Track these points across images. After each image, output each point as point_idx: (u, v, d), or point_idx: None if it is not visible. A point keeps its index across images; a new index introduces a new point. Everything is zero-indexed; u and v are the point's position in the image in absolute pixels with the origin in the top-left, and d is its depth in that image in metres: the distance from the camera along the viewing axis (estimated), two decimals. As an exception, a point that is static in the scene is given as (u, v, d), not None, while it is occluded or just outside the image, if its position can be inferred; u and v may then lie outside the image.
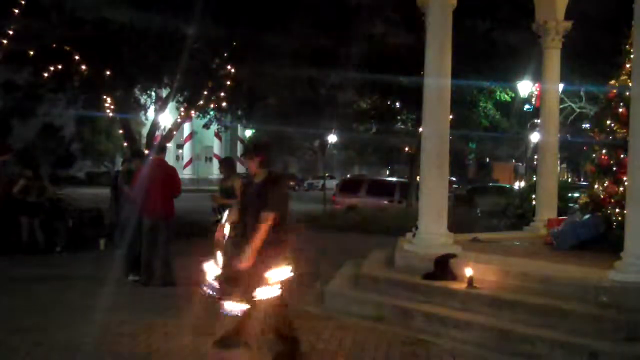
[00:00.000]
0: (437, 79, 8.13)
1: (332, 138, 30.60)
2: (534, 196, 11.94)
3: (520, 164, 46.52)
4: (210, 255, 5.57)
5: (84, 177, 43.70)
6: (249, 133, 40.94)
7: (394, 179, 29.20)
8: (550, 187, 10.99)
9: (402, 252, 8.27)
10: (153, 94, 17.57)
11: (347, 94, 22.27)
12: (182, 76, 14.42)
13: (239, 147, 47.22)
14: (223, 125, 20.80)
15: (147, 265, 8.83)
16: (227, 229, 5.60)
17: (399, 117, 23.51)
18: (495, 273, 7.14)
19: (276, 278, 5.18)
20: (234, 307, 5.20)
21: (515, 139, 31.48)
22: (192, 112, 17.01)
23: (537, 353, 5.71)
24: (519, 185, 28.05)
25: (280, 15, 14.97)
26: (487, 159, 53.93)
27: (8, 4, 13.01)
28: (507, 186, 29.40)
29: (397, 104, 22.49)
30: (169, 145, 18.69)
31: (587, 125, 25.10)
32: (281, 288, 5.20)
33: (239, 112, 18.73)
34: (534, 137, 24.06)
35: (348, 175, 49.87)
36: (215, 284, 5.32)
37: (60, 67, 14.60)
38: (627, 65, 8.62)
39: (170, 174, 9.27)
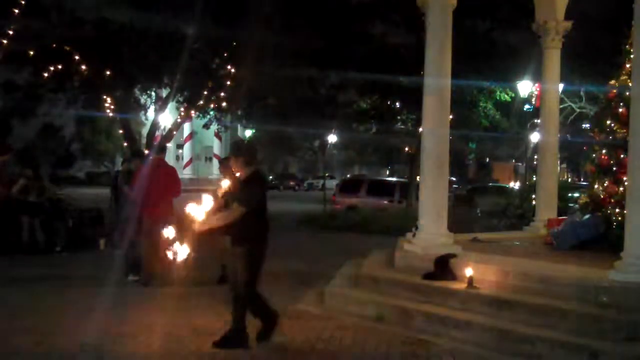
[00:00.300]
0: (437, 79, 8.13)
1: (332, 138, 30.62)
2: (534, 196, 11.94)
3: (520, 164, 46.51)
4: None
5: (84, 177, 43.70)
6: (249, 133, 40.92)
7: (394, 179, 29.18)
8: (550, 187, 10.98)
9: (402, 252, 8.26)
10: (153, 94, 17.57)
11: (347, 94, 22.29)
12: (182, 76, 14.43)
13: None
14: (223, 125, 20.82)
15: (146, 265, 8.83)
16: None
17: (399, 117, 23.49)
18: (495, 273, 7.14)
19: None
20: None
21: (515, 139, 31.46)
22: (192, 112, 17.02)
23: (537, 353, 5.71)
24: (513, 185, 28.00)
25: (280, 15, 14.98)
26: (487, 159, 53.98)
27: (8, 4, 13.02)
28: (506, 186, 29.40)
29: (397, 104, 22.48)
30: (169, 145, 18.72)
31: (587, 125, 25.11)
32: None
33: (239, 112, 18.73)
34: (534, 137, 24.01)
35: (348, 175, 49.88)
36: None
37: (60, 67, 14.61)
38: (627, 65, 8.61)
39: (170, 174, 9.27)
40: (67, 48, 14.29)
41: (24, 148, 26.51)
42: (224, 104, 16.71)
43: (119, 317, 6.90)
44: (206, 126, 19.10)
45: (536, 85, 19.49)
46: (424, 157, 8.27)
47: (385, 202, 21.36)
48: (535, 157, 17.23)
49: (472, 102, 21.29)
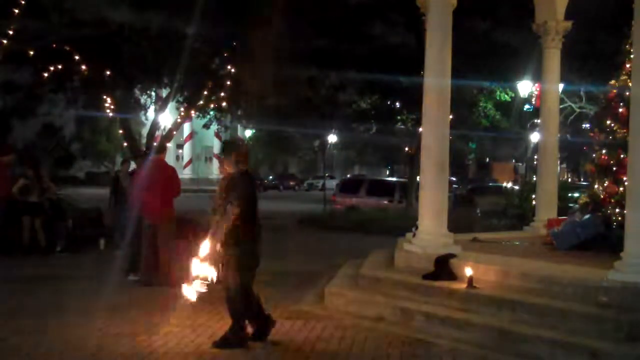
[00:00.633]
0: (437, 79, 8.12)
1: (332, 138, 30.65)
2: (534, 196, 11.94)
3: (520, 164, 46.53)
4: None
5: (84, 177, 43.68)
6: (249, 133, 40.95)
7: (394, 179, 29.19)
8: (550, 187, 10.98)
9: (402, 252, 8.26)
10: (153, 94, 17.56)
11: (347, 94, 22.28)
12: (182, 76, 14.42)
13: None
14: (223, 125, 20.78)
15: (147, 265, 8.83)
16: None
17: (399, 117, 23.51)
18: (495, 273, 7.14)
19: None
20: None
21: (515, 139, 31.49)
22: (192, 112, 17.00)
23: (537, 353, 5.71)
24: (507, 184, 27.98)
25: (280, 15, 14.96)
26: (487, 159, 54.00)
27: (8, 4, 13.00)
28: (502, 186, 29.33)
29: (397, 104, 22.50)
30: (169, 145, 18.67)
31: (587, 125, 25.12)
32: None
33: (239, 112, 18.73)
34: (534, 137, 24.05)
35: (348, 175, 49.90)
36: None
37: (60, 67, 14.58)
38: (627, 65, 8.62)
39: (169, 174, 9.27)
40: (67, 48, 14.27)
41: (24, 148, 26.47)
42: (224, 104, 16.70)
43: (119, 317, 6.91)
44: (206, 126, 19.09)
45: (536, 85, 19.51)
46: (424, 157, 8.27)
47: (385, 202, 21.37)
48: (535, 157, 17.25)
49: (472, 102, 21.31)
